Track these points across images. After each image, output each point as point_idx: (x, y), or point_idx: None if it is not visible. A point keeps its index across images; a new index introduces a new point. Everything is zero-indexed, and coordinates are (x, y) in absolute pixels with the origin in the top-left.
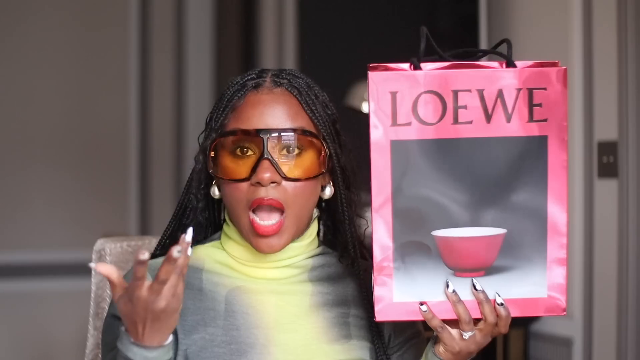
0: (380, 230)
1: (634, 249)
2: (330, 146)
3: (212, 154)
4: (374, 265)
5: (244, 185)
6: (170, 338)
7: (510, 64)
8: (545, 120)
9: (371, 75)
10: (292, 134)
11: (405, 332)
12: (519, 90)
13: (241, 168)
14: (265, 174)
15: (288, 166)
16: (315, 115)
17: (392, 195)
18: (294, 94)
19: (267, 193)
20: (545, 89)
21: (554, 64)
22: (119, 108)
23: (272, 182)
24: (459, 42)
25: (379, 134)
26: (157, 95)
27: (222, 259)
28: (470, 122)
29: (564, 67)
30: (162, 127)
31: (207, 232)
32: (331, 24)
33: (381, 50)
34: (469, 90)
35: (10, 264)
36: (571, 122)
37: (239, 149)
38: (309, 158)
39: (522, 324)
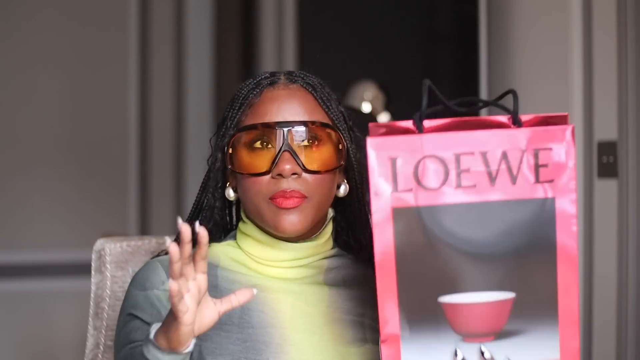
0: (386, 298)
1: (634, 249)
2: (347, 140)
3: (230, 150)
4: (380, 334)
5: (265, 178)
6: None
7: (515, 120)
8: (551, 181)
9: (369, 141)
10: (311, 126)
11: None
12: (524, 151)
13: (261, 162)
14: (287, 165)
15: (308, 158)
16: (330, 110)
17: (396, 262)
18: (309, 90)
19: (289, 185)
20: (551, 149)
21: (561, 119)
22: (119, 108)
23: (293, 174)
24: (459, 42)
25: (381, 201)
26: (157, 95)
27: (237, 257)
28: (474, 186)
29: (572, 125)
30: (162, 127)
31: (222, 232)
32: (331, 24)
33: (381, 50)
34: (472, 153)
35: (10, 264)
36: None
37: (258, 143)
38: (328, 150)
39: None
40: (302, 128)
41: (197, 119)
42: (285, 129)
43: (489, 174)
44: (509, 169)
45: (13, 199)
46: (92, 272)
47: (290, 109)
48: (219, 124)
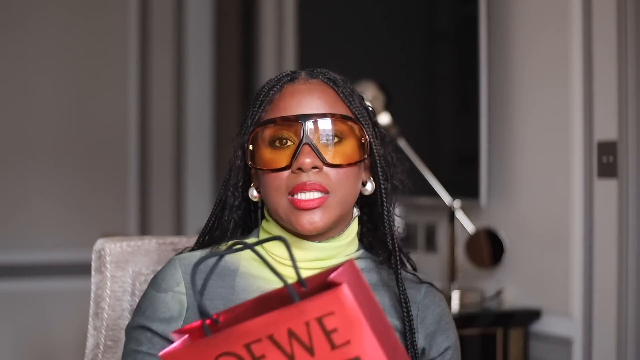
0: None
1: (634, 249)
2: (370, 134)
3: (251, 147)
4: None
5: (285, 173)
6: None
7: (294, 296)
8: (348, 342)
9: (162, 356)
10: (331, 119)
11: (440, 346)
12: (307, 323)
13: (281, 157)
14: (307, 159)
15: (329, 152)
16: (352, 104)
17: None
18: (331, 84)
19: (309, 178)
20: (333, 313)
21: (334, 284)
22: (119, 108)
23: (314, 168)
24: (459, 42)
25: None
26: (157, 95)
27: (258, 258)
28: None
29: (340, 285)
30: (162, 127)
31: (242, 232)
32: (331, 24)
33: (381, 49)
34: (260, 340)
35: (10, 264)
36: (571, 122)
37: (277, 140)
38: (350, 144)
39: (522, 324)
40: (322, 120)
41: (197, 119)
42: (305, 122)
43: (285, 353)
44: (302, 344)
45: (13, 198)
46: (92, 272)
47: (310, 103)
48: (241, 123)
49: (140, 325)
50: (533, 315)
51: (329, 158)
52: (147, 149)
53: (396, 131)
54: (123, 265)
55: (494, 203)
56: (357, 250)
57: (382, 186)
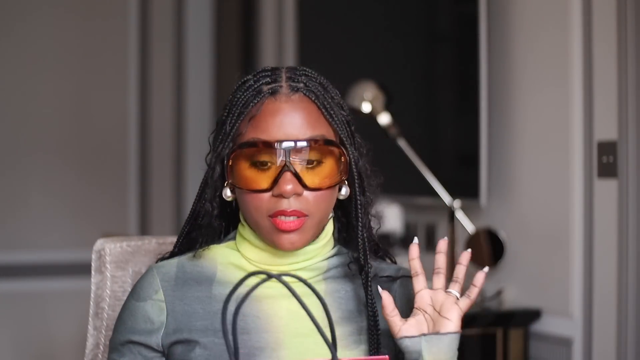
0: None
1: (634, 249)
2: (350, 151)
3: (230, 162)
4: None
5: (265, 195)
6: None
7: None
8: None
9: None
10: (313, 145)
11: None
12: None
13: (262, 179)
14: (288, 185)
15: (309, 176)
16: (334, 120)
17: None
18: (312, 99)
19: (290, 204)
20: None
21: None
22: (119, 108)
23: (295, 194)
24: (459, 42)
25: None
26: (157, 95)
27: (235, 261)
28: None
29: None
30: (162, 127)
31: (220, 235)
32: (331, 24)
33: (381, 50)
34: None
35: (10, 264)
36: (571, 122)
37: (258, 159)
38: (330, 166)
39: (522, 324)
40: (304, 145)
41: (197, 119)
42: (287, 149)
43: None
44: None
45: (13, 198)
46: (92, 272)
47: (292, 124)
48: (218, 125)
49: (123, 340)
50: (533, 315)
51: (309, 182)
52: (147, 149)
53: (396, 131)
54: (123, 265)
55: (494, 203)
56: (332, 248)
57: (358, 200)
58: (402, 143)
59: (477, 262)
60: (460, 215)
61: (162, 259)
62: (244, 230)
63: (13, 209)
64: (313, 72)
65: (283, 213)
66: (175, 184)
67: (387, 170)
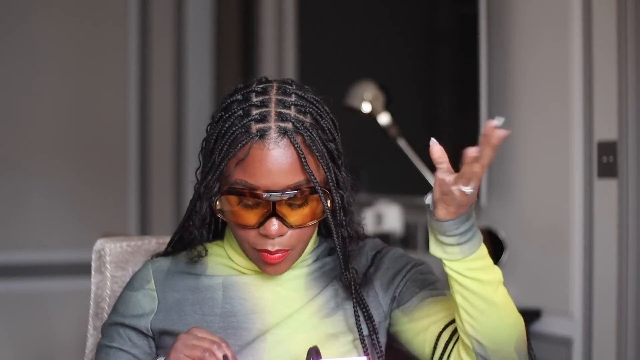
0: None
1: (634, 249)
2: (334, 192)
3: (218, 203)
4: None
5: (252, 231)
6: None
7: None
8: None
9: None
10: (298, 194)
11: (400, 277)
12: None
13: (249, 217)
14: (273, 227)
15: (294, 216)
16: (318, 164)
17: None
18: (297, 145)
19: (274, 244)
20: None
21: None
22: (119, 108)
23: (280, 235)
24: (459, 42)
25: None
26: (157, 95)
27: (223, 261)
28: None
29: None
30: (162, 127)
31: (209, 234)
32: (331, 24)
33: (381, 49)
34: None
35: (10, 264)
36: (571, 122)
37: (246, 201)
38: (314, 205)
39: None
40: (290, 194)
41: (197, 119)
42: (275, 199)
43: None
44: None
45: (13, 198)
46: (92, 272)
47: (279, 172)
48: (205, 149)
49: (113, 323)
50: (533, 315)
51: (293, 222)
52: (147, 149)
53: (396, 131)
54: (123, 265)
55: (494, 203)
56: (317, 245)
57: (335, 236)
58: (402, 143)
59: None
60: None
61: (157, 255)
62: (230, 237)
63: (13, 209)
64: (305, 97)
65: (268, 252)
66: (175, 184)
67: (387, 170)
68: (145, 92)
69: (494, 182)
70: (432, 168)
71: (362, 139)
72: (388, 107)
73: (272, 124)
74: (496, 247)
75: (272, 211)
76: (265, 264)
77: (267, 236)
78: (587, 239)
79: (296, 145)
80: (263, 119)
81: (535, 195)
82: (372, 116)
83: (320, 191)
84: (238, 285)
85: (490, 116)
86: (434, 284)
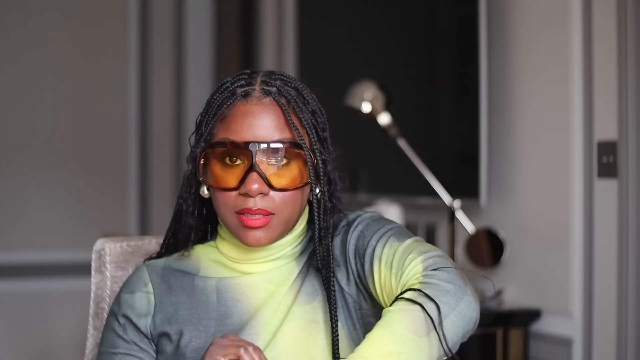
0: None
1: (634, 249)
2: (318, 156)
3: (202, 161)
4: None
5: (232, 193)
6: None
7: None
8: None
9: None
10: (280, 145)
11: (370, 236)
12: None
13: (230, 177)
14: (254, 185)
15: (276, 177)
16: (301, 125)
17: None
18: (281, 103)
19: (255, 203)
20: None
21: None
22: (119, 108)
23: (260, 193)
24: (459, 42)
25: None
26: (157, 95)
27: (215, 258)
28: None
29: None
30: (162, 127)
31: (202, 233)
32: (331, 24)
33: (381, 49)
34: None
35: (10, 264)
36: (571, 122)
37: (228, 158)
38: (296, 168)
39: (522, 324)
40: (271, 147)
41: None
42: (254, 149)
43: None
44: None
45: (13, 199)
46: (92, 272)
47: (261, 126)
48: (197, 124)
49: (117, 313)
50: (533, 315)
51: (275, 183)
52: (147, 149)
53: (396, 131)
54: (123, 265)
55: (494, 203)
56: (305, 232)
57: (323, 204)
58: (402, 143)
59: (477, 262)
60: (460, 215)
61: (150, 258)
62: (222, 229)
63: (13, 209)
64: (290, 77)
65: (249, 211)
66: (175, 184)
67: (387, 170)
68: (145, 92)
69: (494, 182)
70: (432, 168)
71: (362, 139)
72: (388, 107)
73: (257, 86)
74: (496, 247)
75: (252, 164)
76: (246, 228)
77: (247, 195)
78: (587, 239)
79: (280, 104)
80: (248, 84)
81: (535, 195)
82: (372, 116)
83: (305, 150)
84: (232, 287)
85: (491, 116)
86: (379, 241)
